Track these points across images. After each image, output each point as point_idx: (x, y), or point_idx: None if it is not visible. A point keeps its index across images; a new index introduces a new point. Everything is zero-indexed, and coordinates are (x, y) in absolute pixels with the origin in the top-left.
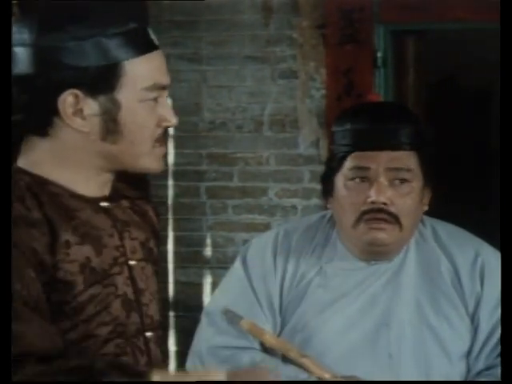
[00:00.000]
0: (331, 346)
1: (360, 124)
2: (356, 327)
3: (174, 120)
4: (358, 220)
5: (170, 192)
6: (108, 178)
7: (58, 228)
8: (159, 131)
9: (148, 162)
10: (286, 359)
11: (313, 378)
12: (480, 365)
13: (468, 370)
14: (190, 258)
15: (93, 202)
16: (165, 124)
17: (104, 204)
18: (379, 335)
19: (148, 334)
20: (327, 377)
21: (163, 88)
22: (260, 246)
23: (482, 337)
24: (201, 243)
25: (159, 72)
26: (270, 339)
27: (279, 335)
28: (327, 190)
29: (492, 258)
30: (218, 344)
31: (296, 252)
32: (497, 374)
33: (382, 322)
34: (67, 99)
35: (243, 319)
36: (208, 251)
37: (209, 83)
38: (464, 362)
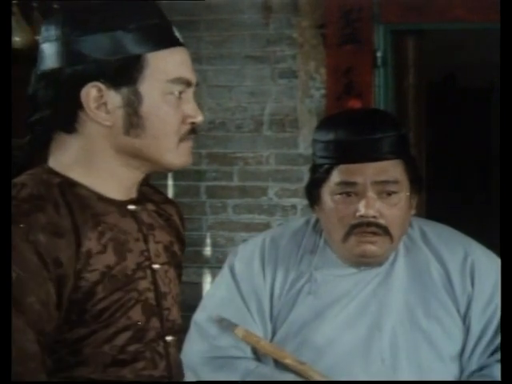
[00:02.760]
0: (324, 352)
1: (343, 135)
2: (348, 333)
3: (199, 117)
4: (348, 234)
5: (170, 192)
6: (135, 179)
7: (82, 237)
8: (185, 128)
9: (173, 158)
10: (279, 367)
11: None
12: (473, 365)
13: (461, 371)
14: (189, 257)
15: (120, 205)
16: (190, 121)
17: (131, 207)
18: (371, 340)
19: (168, 338)
20: None
21: (188, 84)
22: (247, 254)
23: (473, 337)
24: (201, 243)
25: (183, 67)
26: (266, 346)
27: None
28: (313, 199)
29: (481, 257)
30: (211, 355)
31: (284, 259)
32: (489, 373)
33: (373, 326)
34: (90, 92)
35: (238, 327)
36: (208, 251)
37: (209, 83)
38: (457, 363)
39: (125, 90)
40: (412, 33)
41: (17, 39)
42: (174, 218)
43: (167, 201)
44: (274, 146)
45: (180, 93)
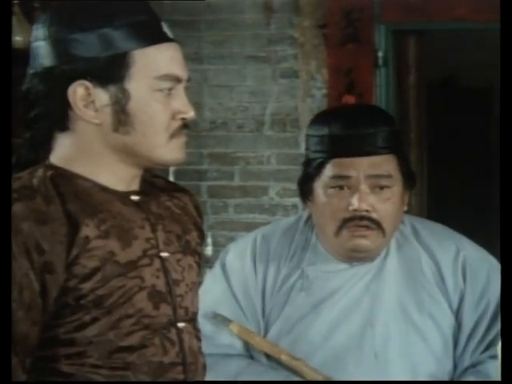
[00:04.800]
0: (317, 348)
1: (337, 130)
2: (341, 328)
3: (190, 112)
4: (341, 228)
5: None
6: (133, 174)
7: (79, 223)
8: (175, 124)
9: (165, 154)
10: (272, 363)
11: None
12: (466, 361)
13: (454, 367)
14: None
15: (123, 196)
16: (180, 116)
17: (134, 198)
18: (364, 335)
19: (180, 324)
20: (320, 379)
21: (178, 80)
22: (238, 251)
23: (465, 333)
24: None
25: (173, 63)
26: (261, 342)
27: None
28: (305, 194)
29: (473, 253)
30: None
31: (276, 256)
32: (483, 370)
33: (366, 322)
34: (77, 91)
35: (232, 322)
36: (209, 250)
37: (210, 83)
38: (450, 360)
39: (112, 88)
40: (413, 33)
41: (18, 39)
42: (189, 207)
43: (181, 190)
44: (275, 145)
45: (170, 89)
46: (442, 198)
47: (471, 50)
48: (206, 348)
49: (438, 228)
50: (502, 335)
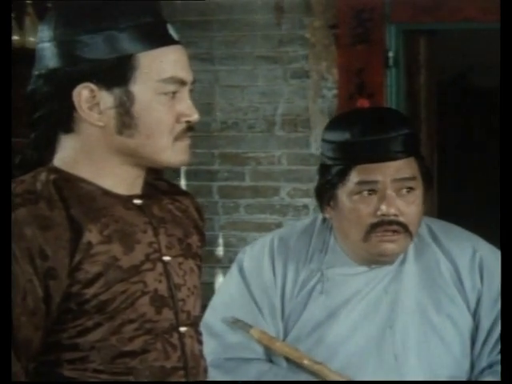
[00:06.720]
0: (337, 351)
1: (359, 136)
2: (360, 331)
3: (194, 115)
4: (368, 233)
5: None
6: (136, 175)
7: (82, 229)
8: (180, 127)
9: (169, 157)
10: (293, 368)
11: None
12: (483, 362)
13: (472, 368)
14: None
15: (126, 199)
16: (184, 119)
17: (137, 201)
18: (384, 338)
19: (182, 329)
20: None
21: (182, 83)
22: (256, 254)
23: (482, 334)
24: (213, 243)
25: (178, 66)
26: (282, 347)
27: None
28: (325, 200)
29: (489, 254)
30: (223, 356)
31: (294, 258)
32: (500, 370)
33: (385, 324)
34: (82, 93)
35: (253, 328)
36: (220, 251)
37: (221, 83)
38: (468, 360)
39: (117, 91)
40: (423, 33)
41: (31, 39)
42: (190, 210)
43: (182, 193)
44: (285, 146)
45: (174, 92)
46: (452, 199)
47: (481, 50)
48: (225, 352)
49: (453, 229)
50: (502, 335)
